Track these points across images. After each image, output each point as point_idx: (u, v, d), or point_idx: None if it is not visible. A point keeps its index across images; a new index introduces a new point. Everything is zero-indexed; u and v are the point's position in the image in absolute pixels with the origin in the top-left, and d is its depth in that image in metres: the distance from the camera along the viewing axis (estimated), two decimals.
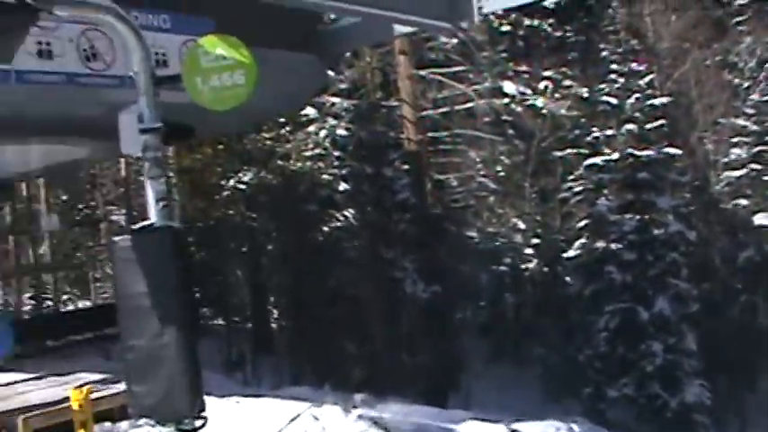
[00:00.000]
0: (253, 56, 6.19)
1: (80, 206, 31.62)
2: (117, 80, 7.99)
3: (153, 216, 5.92)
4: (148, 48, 6.12)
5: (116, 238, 5.91)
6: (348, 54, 22.05)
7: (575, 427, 13.45)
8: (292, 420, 12.11)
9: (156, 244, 5.82)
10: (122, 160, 26.98)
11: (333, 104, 22.87)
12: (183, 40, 8.44)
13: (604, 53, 23.67)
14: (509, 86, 22.99)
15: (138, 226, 5.96)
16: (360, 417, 12.18)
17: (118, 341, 6.11)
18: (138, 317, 5.82)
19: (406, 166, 22.09)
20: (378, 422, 12.04)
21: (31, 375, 15.43)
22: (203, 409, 5.98)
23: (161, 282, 5.71)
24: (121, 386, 12.93)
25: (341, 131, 22.52)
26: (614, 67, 22.72)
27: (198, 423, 5.98)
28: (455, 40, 23.61)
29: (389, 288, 21.08)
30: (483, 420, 13.18)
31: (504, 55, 24.54)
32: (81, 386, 10.83)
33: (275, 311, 26.55)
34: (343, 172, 22.32)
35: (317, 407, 12.56)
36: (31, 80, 7.47)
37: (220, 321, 25.96)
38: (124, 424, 12.24)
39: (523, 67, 24.10)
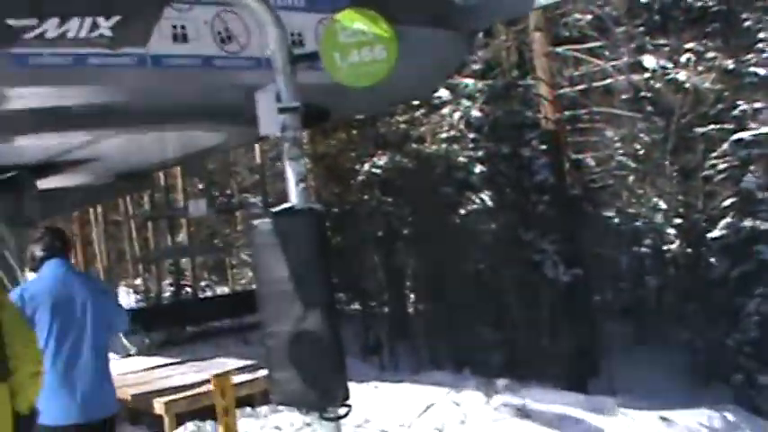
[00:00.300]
0: (393, 29, 5.95)
1: (215, 194, 32.08)
2: (253, 62, 7.85)
3: (293, 197, 5.75)
4: (284, 25, 5.95)
5: (255, 222, 5.76)
6: (480, 35, 21.66)
7: (728, 415, 12.77)
8: (432, 406, 11.88)
9: (297, 226, 5.64)
10: (257, 147, 27.28)
11: (466, 86, 22.51)
12: (318, 18, 8.25)
13: (748, 23, 22.67)
14: (649, 61, 22.15)
15: (278, 208, 5.79)
16: (502, 403, 11.86)
17: (257, 327, 5.97)
18: (279, 302, 5.66)
19: (543, 147, 21.63)
20: (520, 409, 11.68)
21: (172, 360, 15.67)
22: (347, 397, 5.79)
23: (303, 265, 5.53)
24: (262, 372, 13.00)
25: (475, 113, 22.15)
26: (762, 35, 21.71)
27: (342, 411, 5.78)
28: (589, 16, 22.98)
29: (528, 271, 20.67)
30: (630, 408, 12.69)
31: (641, 29, 23.70)
32: (223, 372, 10.86)
33: (411, 296, 26.42)
34: (479, 154, 21.97)
35: (457, 392, 12.30)
36: (167, 64, 7.40)
37: (357, 306, 25.95)
38: (264, 409, 12.26)
39: (663, 41, 23.17)
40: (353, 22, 5.94)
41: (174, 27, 7.43)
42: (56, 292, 5.96)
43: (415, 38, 7.68)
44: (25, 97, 7.44)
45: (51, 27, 5.00)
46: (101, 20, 5.09)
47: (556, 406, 12.08)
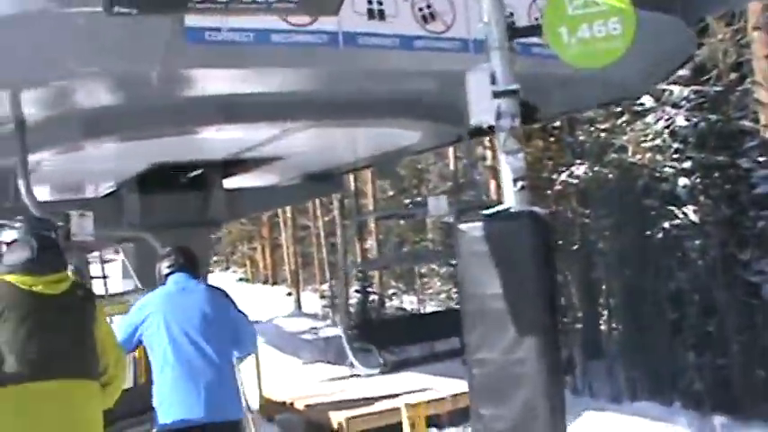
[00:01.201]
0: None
1: (407, 201, 31.41)
2: (458, 44, 6.92)
3: (509, 199, 4.76)
4: None
5: (463, 226, 4.82)
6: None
7: None
8: None
9: (514, 232, 4.65)
10: (450, 153, 26.55)
11: (671, 93, 20.99)
12: None
13: None
14: None
15: (491, 211, 4.83)
16: None
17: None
18: (489, 323, 4.72)
19: (761, 158, 19.77)
20: None
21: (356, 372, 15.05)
22: None
23: (521, 280, 4.55)
24: (449, 390, 12.16)
25: (681, 121, 20.62)
26: None
27: None
28: None
29: (744, 294, 18.90)
30: None
31: None
32: (416, 403, 10.09)
33: (605, 313, 24.99)
34: (685, 165, 20.41)
35: (666, 427, 11.08)
36: (362, 44, 6.54)
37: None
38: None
39: None
40: None
41: (370, 2, 6.58)
42: (173, 299, 6.19)
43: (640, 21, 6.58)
44: (204, 81, 6.77)
45: None
46: None
47: None
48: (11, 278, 4.43)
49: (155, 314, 6.09)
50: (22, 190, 7.60)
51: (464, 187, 25.35)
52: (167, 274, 6.41)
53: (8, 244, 4.61)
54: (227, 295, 6.56)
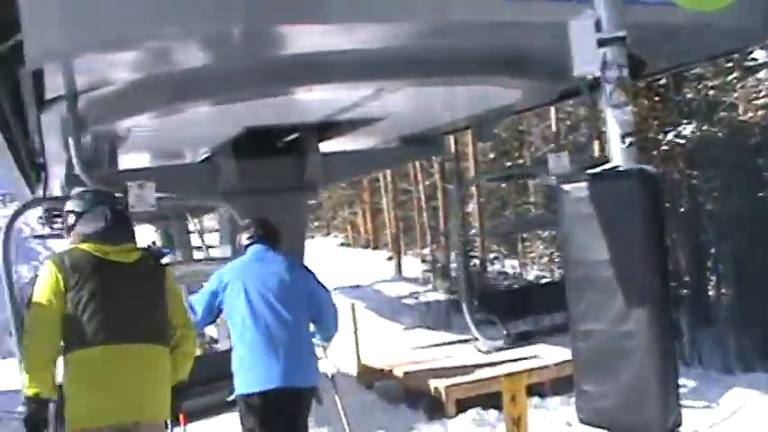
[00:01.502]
0: None
1: (509, 164, 30.82)
2: None
3: (617, 156, 4.36)
4: None
5: (567, 187, 4.45)
6: None
7: None
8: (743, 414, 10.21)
9: (623, 193, 4.26)
10: (552, 114, 25.95)
11: None
12: None
13: None
14: None
15: (597, 170, 4.44)
16: None
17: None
18: (594, 292, 4.36)
19: None
20: None
21: (454, 338, 14.80)
22: (679, 423, 4.38)
23: (630, 245, 4.18)
24: (554, 358, 11.80)
25: None
26: None
27: None
28: None
29: None
30: None
31: None
32: (515, 372, 9.72)
33: (714, 278, 24.18)
34: None
35: None
36: None
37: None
38: (555, 401, 11.17)
39: None
40: None
41: None
42: (252, 267, 6.40)
43: None
44: (289, 38, 6.49)
45: None
46: None
47: None
48: (86, 246, 4.63)
49: (234, 281, 6.28)
50: (76, 164, 7.49)
51: (567, 148, 24.72)
52: (247, 246, 6.61)
53: (79, 214, 4.77)
54: (307, 268, 6.59)
